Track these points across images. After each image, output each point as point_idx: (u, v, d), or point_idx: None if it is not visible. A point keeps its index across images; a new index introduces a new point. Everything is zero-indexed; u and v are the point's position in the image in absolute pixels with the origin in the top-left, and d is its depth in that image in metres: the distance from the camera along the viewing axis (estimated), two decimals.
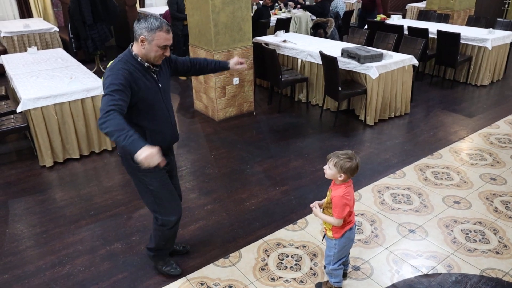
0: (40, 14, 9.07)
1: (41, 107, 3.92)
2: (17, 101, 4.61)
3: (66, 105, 4.04)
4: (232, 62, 2.74)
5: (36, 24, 7.96)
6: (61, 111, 4.05)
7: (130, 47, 2.27)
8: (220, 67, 2.77)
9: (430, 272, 2.67)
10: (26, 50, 7.40)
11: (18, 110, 3.86)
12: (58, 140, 4.10)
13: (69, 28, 7.06)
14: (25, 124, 4.03)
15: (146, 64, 2.24)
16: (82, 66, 5.04)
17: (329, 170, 2.25)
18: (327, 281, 2.57)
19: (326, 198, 2.37)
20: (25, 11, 8.84)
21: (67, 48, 7.00)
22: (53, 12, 9.30)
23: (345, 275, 2.63)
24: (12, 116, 4.26)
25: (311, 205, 2.45)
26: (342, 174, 2.20)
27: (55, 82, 4.30)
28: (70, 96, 4.04)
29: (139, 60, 2.22)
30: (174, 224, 2.51)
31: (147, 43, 2.17)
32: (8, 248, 3.02)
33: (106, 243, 3.05)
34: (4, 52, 7.07)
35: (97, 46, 7.10)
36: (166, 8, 9.74)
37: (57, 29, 7.83)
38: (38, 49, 6.20)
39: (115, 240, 3.09)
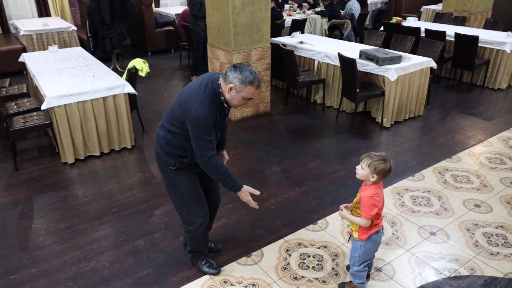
0: (57, 13, 9.20)
1: (64, 105, 3.99)
2: (39, 99, 4.70)
3: (88, 103, 4.11)
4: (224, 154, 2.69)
5: (55, 23, 8.07)
6: (84, 109, 4.11)
7: (218, 81, 2.27)
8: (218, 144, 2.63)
9: (453, 275, 2.68)
10: (44, 49, 7.54)
11: (43, 107, 3.93)
12: (80, 137, 4.17)
13: (87, 27, 7.15)
14: (48, 121, 4.10)
15: (225, 104, 2.32)
16: (102, 65, 5.11)
17: (362, 170, 2.27)
18: (350, 281, 2.58)
19: (356, 198, 2.38)
20: (43, 10, 8.96)
21: (84, 47, 7.09)
22: (71, 11, 9.42)
23: (368, 276, 2.65)
24: (35, 113, 4.33)
25: (340, 208, 2.46)
26: (375, 175, 2.22)
27: (77, 80, 4.37)
28: (93, 94, 4.10)
29: (221, 99, 2.28)
30: (199, 225, 2.56)
31: (234, 92, 2.23)
32: (34, 242, 3.09)
33: (129, 240, 3.10)
34: (24, 50, 7.18)
35: (114, 45, 7.18)
36: (182, 7, 9.86)
37: (75, 28, 7.94)
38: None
39: (138, 237, 3.13)
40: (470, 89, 6.44)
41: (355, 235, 2.40)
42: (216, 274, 2.74)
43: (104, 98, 4.20)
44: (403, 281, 2.67)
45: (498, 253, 2.92)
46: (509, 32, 6.43)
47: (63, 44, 7.79)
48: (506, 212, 3.39)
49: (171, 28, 8.86)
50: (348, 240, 2.98)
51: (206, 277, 2.73)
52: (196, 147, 2.26)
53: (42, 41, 7.67)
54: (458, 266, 2.80)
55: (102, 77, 4.42)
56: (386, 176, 2.24)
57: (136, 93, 4.53)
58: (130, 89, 4.31)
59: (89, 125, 4.19)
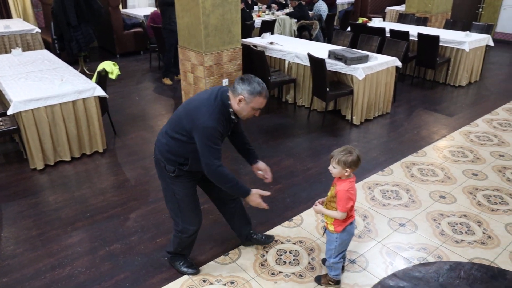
0: (19, 14, 8.89)
1: (32, 110, 3.89)
2: (3, 103, 4.55)
3: (57, 107, 4.02)
4: (260, 166, 2.72)
5: (17, 25, 7.79)
6: (52, 113, 4.02)
7: (227, 93, 2.33)
8: (251, 156, 2.73)
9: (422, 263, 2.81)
10: (6, 52, 7.27)
11: (9, 112, 3.82)
12: (49, 142, 4.07)
13: (52, 29, 6.97)
14: (15, 127, 3.98)
15: (233, 116, 2.38)
16: (70, 67, 5.01)
17: (334, 169, 2.36)
18: (326, 274, 2.67)
19: (330, 192, 2.47)
20: (4, 12, 8.64)
21: (49, 50, 6.90)
22: (33, 12, 9.12)
23: (342, 269, 2.74)
24: (0, 118, 4.19)
25: (314, 203, 2.55)
26: (347, 169, 2.32)
27: (45, 84, 4.27)
28: (62, 98, 4.02)
29: (230, 110, 2.35)
30: (192, 234, 2.61)
31: (244, 103, 2.29)
32: (5, 251, 3.00)
33: (105, 244, 3.07)
34: None
35: (81, 47, 7.02)
36: (150, 9, 9.74)
37: (39, 30, 7.70)
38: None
39: (114, 241, 3.11)
40: (433, 86, 6.73)
41: (331, 228, 2.49)
42: (195, 273, 2.76)
43: (74, 102, 4.12)
44: (375, 271, 2.78)
45: (462, 240, 3.09)
46: (468, 32, 6.76)
47: (27, 47, 7.54)
48: (469, 202, 3.58)
49: (140, 29, 8.76)
50: (323, 234, 3.07)
51: (185, 277, 2.75)
52: (203, 157, 2.28)
53: (4, 44, 7.39)
54: (426, 255, 2.94)
55: (71, 80, 4.34)
56: (357, 166, 2.35)
57: (107, 96, 4.46)
58: (100, 92, 4.25)
59: (58, 129, 4.10)
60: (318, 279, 2.70)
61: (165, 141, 2.42)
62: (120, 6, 8.88)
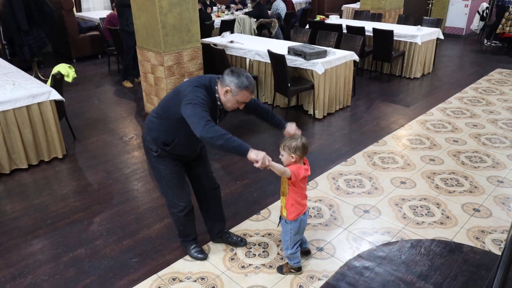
0: None
1: None
2: None
3: (10, 113, 3.84)
4: (289, 131, 2.62)
5: None
6: (5, 119, 3.84)
7: (217, 80, 2.38)
8: (276, 124, 2.69)
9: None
10: None
11: None
12: (3, 150, 3.89)
13: (1, 34, 6.66)
14: None
15: (219, 103, 2.41)
16: (23, 72, 4.81)
17: (282, 156, 2.42)
18: (287, 263, 2.70)
19: (281, 186, 2.53)
20: None
21: None
22: None
23: (308, 253, 2.79)
24: None
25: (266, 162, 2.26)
26: (293, 155, 2.37)
27: None
28: (15, 103, 3.85)
29: (216, 97, 2.39)
30: (182, 209, 2.65)
31: (230, 95, 2.33)
32: None
33: (68, 250, 2.97)
34: None
35: (34, 52, 6.76)
36: (105, 11, 9.51)
37: None
38: None
39: (77, 246, 3.01)
40: (390, 79, 6.98)
41: (284, 213, 2.52)
42: (203, 259, 2.82)
43: (28, 107, 3.95)
44: (343, 257, 2.85)
45: (423, 222, 3.22)
46: (419, 26, 7.07)
47: None
48: (428, 185, 3.74)
49: (96, 33, 8.52)
50: (278, 225, 3.10)
51: (154, 277, 2.70)
52: (192, 122, 2.18)
53: None
54: (390, 238, 3.04)
55: (24, 84, 4.16)
56: (304, 152, 2.39)
57: (64, 100, 4.31)
58: (56, 95, 4.10)
59: (12, 136, 3.92)
60: (280, 269, 2.72)
61: (153, 119, 2.50)
62: (74, 10, 8.60)
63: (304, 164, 2.49)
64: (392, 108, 5.72)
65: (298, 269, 2.69)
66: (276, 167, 2.32)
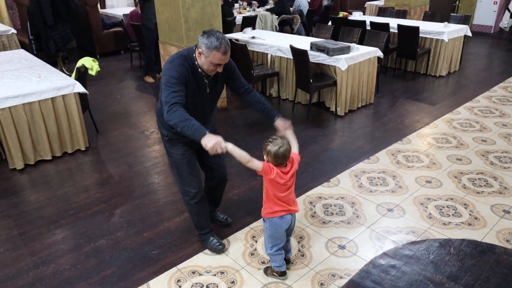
0: None
1: (9, 108, 3.76)
2: None
3: (36, 105, 3.91)
4: (280, 124, 2.56)
5: None
6: (31, 111, 3.90)
7: (194, 47, 2.39)
8: (267, 116, 2.63)
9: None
10: None
11: None
12: (28, 141, 3.95)
13: (29, 29, 6.80)
14: None
15: (199, 70, 2.39)
16: (48, 65, 4.88)
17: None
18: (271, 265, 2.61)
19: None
20: None
21: (26, 51, 6.72)
22: (8, 14, 8.89)
23: (288, 262, 2.67)
24: None
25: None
26: (265, 156, 2.28)
27: (22, 81, 4.14)
28: (40, 95, 3.90)
29: (196, 63, 2.38)
30: (193, 196, 2.65)
31: (203, 57, 2.31)
32: None
33: (90, 240, 2.99)
34: None
35: (59, 47, 6.87)
36: (129, 8, 9.62)
37: (15, 31, 7.50)
38: None
39: (99, 237, 3.03)
40: (414, 77, 6.81)
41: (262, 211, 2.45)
42: (223, 250, 2.82)
43: (53, 99, 4.01)
44: (365, 255, 2.78)
45: (449, 222, 3.11)
46: (446, 23, 6.87)
47: (3, 48, 7.33)
48: (454, 185, 3.62)
49: (120, 29, 8.62)
50: None
51: (174, 269, 2.69)
52: (162, 97, 2.29)
53: None
54: (415, 237, 2.95)
55: (49, 77, 4.22)
56: (275, 160, 2.24)
57: (87, 93, 4.36)
58: (80, 88, 4.15)
59: (38, 128, 3.99)
60: (265, 270, 2.64)
61: (158, 105, 2.52)
62: (99, 6, 8.72)
63: (285, 173, 2.30)
64: (416, 106, 5.57)
65: (282, 274, 2.56)
66: (236, 154, 2.18)
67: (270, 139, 2.27)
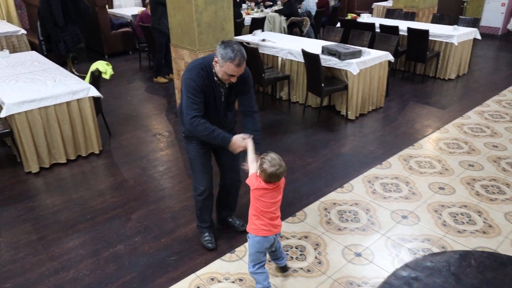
0: (3, 16, 8.68)
1: (25, 112, 3.80)
2: None
3: (51, 109, 3.94)
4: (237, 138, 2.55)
5: (2, 27, 7.62)
6: (46, 115, 3.94)
7: (214, 55, 2.45)
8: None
9: (427, 254, 2.84)
10: None
11: (2, 115, 3.72)
12: (43, 145, 3.99)
13: (39, 30, 6.82)
14: (8, 130, 3.89)
15: (216, 78, 2.48)
16: (61, 68, 4.91)
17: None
18: None
19: None
20: None
21: (36, 51, 6.75)
22: (17, 14, 8.92)
23: (285, 270, 2.70)
24: None
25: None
26: (259, 171, 2.30)
27: (37, 85, 4.17)
28: (55, 99, 3.94)
29: (213, 71, 2.48)
30: (201, 193, 2.81)
31: (218, 66, 2.41)
32: (5, 257, 2.92)
33: (108, 246, 3.02)
34: None
35: (69, 48, 6.90)
36: (137, 8, 9.64)
37: (25, 32, 7.54)
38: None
39: (117, 242, 3.06)
40: (423, 80, 6.81)
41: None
42: (212, 249, 2.93)
43: (68, 103, 4.04)
44: (382, 264, 2.80)
45: (464, 230, 3.13)
46: (455, 26, 6.86)
47: (13, 49, 7.36)
48: (467, 192, 3.63)
49: (128, 29, 8.64)
50: None
51: (193, 276, 2.72)
52: (183, 107, 2.48)
53: None
54: (430, 245, 2.97)
55: (64, 81, 4.25)
56: (266, 179, 2.27)
57: (101, 96, 4.39)
58: (95, 92, 4.18)
59: (53, 131, 4.02)
60: None
61: (180, 104, 2.63)
62: (107, 6, 8.74)
63: (269, 189, 2.31)
64: (426, 110, 5.58)
65: None
66: (248, 151, 2.42)
67: (269, 157, 2.27)
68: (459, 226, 3.18)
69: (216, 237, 3.07)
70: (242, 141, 2.46)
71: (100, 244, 3.04)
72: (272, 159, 2.28)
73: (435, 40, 6.69)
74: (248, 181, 2.38)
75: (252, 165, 2.39)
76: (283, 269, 2.72)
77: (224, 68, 2.37)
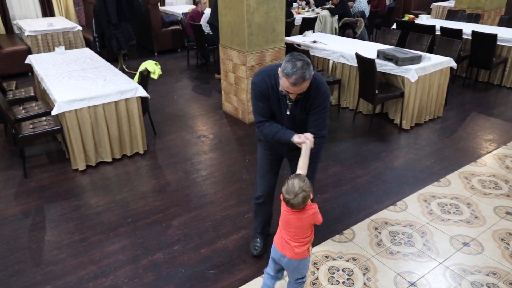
0: (62, 12, 9.05)
1: (75, 110, 3.84)
2: (47, 102, 4.55)
3: (100, 108, 3.96)
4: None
5: (60, 23, 7.92)
6: (95, 114, 3.96)
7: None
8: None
9: None
10: (49, 50, 7.40)
11: (53, 113, 3.78)
12: (91, 143, 4.02)
13: (93, 27, 7.00)
14: (58, 127, 3.95)
15: (280, 89, 2.29)
16: (112, 67, 4.96)
17: None
18: None
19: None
20: (47, 10, 8.81)
21: (90, 47, 6.93)
22: (75, 11, 9.26)
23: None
24: (44, 118, 4.18)
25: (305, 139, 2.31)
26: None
27: (88, 83, 4.22)
28: (105, 98, 3.95)
29: (279, 81, 2.28)
30: (256, 197, 2.81)
31: (279, 78, 2.26)
32: (48, 256, 2.94)
33: (147, 253, 2.96)
34: (28, 51, 7.03)
35: (121, 45, 7.03)
36: (187, 6, 9.70)
37: (81, 28, 7.79)
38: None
39: (156, 250, 2.99)
40: (487, 88, 6.27)
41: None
42: (254, 255, 2.88)
43: (116, 102, 4.05)
44: None
45: None
46: None
47: (69, 45, 7.64)
48: None
49: (178, 27, 8.70)
50: None
51: None
52: (252, 104, 2.48)
53: (47, 41, 7.52)
54: (496, 281, 2.65)
55: (113, 80, 4.27)
56: (285, 204, 2.13)
57: (149, 97, 4.38)
58: (142, 92, 4.16)
59: (100, 130, 4.04)
60: None
61: None
62: (159, 4, 8.86)
63: (286, 211, 2.15)
64: (490, 122, 5.11)
65: None
66: (302, 152, 2.28)
67: (290, 182, 2.07)
68: None
69: (267, 245, 2.90)
70: (298, 139, 2.32)
71: (140, 250, 2.98)
72: (291, 186, 2.05)
73: (502, 45, 6.14)
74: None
75: (303, 169, 2.23)
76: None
77: (281, 81, 2.22)
